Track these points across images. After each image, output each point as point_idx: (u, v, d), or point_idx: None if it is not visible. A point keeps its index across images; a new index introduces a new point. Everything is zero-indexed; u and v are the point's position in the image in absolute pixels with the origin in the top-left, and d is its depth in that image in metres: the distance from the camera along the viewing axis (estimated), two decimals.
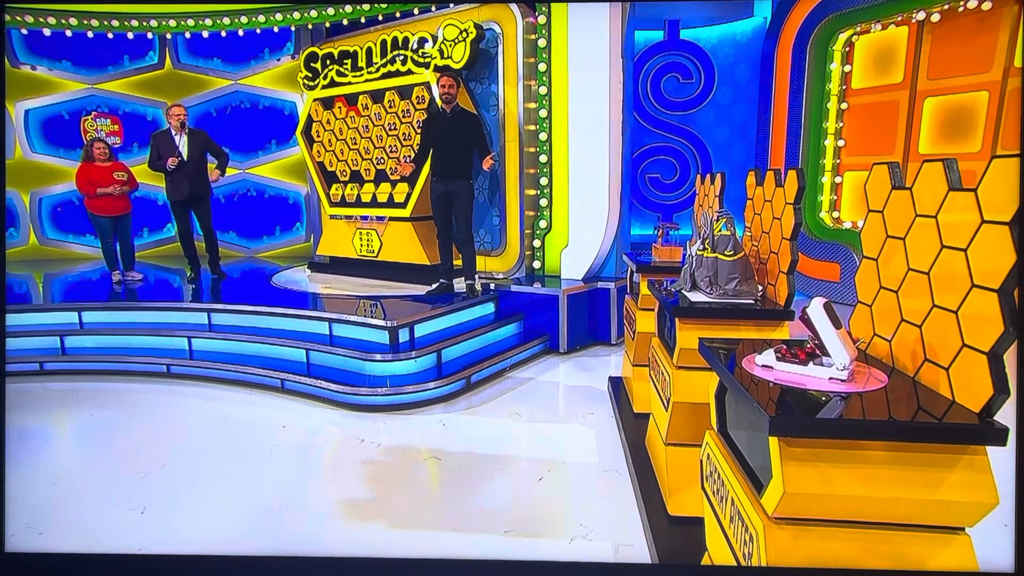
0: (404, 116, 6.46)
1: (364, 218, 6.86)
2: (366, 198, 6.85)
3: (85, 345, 5.29)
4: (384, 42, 6.51)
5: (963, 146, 5.82)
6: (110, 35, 7.83)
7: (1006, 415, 1.41)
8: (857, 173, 6.75)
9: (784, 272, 2.56)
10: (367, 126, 6.81)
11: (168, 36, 8.74)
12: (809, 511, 1.52)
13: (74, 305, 5.48)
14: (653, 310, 3.59)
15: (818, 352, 1.71)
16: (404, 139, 6.50)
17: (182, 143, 6.26)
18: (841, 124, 6.83)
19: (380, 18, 6.77)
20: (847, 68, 6.69)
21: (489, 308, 5.55)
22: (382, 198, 6.69)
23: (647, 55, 8.45)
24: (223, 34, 7.81)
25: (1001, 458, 1.49)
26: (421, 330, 4.80)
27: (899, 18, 6.12)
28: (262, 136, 9.07)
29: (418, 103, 6.31)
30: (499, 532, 2.74)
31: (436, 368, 4.62)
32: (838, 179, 6.92)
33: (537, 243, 6.08)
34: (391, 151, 6.65)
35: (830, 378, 1.65)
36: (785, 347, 1.78)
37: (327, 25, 7.45)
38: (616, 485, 3.15)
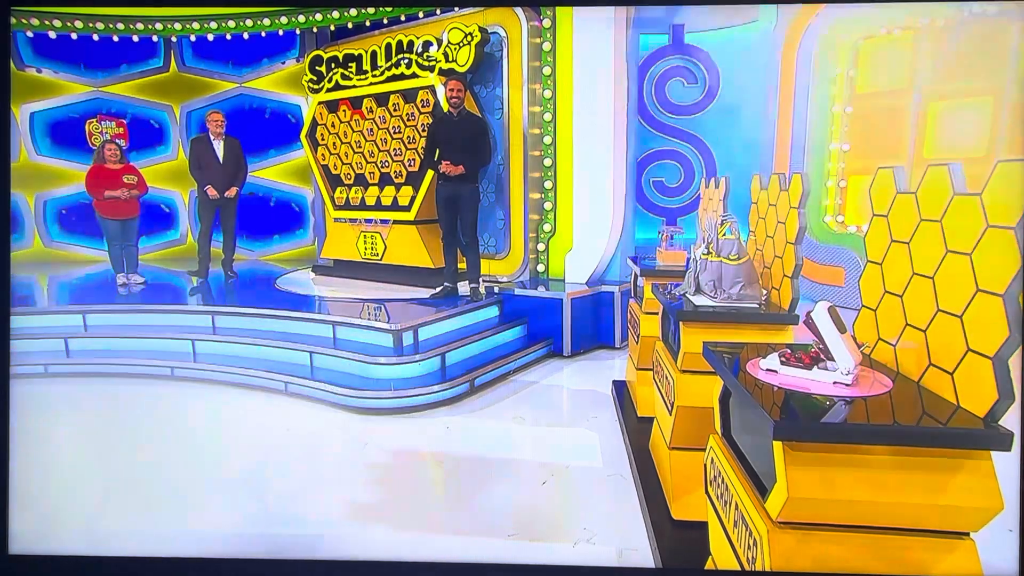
0: (409, 119, 6.48)
1: (368, 221, 6.88)
2: (370, 201, 6.87)
3: (89, 348, 5.30)
4: (389, 46, 6.53)
5: (968, 151, 5.80)
6: (115, 38, 7.87)
7: (1011, 420, 1.41)
8: (862, 177, 6.74)
9: (788, 276, 2.56)
10: (371, 129, 6.83)
11: (173, 39, 8.78)
12: (813, 515, 1.51)
13: (78, 308, 5.50)
14: (657, 314, 3.58)
15: (822, 356, 1.71)
16: (408, 142, 6.52)
17: (219, 148, 6.55)
18: (846, 128, 6.82)
19: (385, 22, 6.80)
20: (852, 72, 6.68)
21: (493, 311, 5.55)
22: (386, 201, 6.70)
23: (652, 59, 8.43)
24: (228, 37, 7.85)
25: (1006, 463, 1.49)
26: (425, 333, 4.80)
27: (905, 23, 6.12)
28: (266, 139, 9.09)
29: (423, 106, 6.32)
30: (503, 536, 2.73)
31: (440, 371, 4.61)
32: (843, 183, 6.91)
33: (541, 247, 6.08)
34: (395, 154, 6.66)
35: (834, 382, 1.65)
36: (789, 351, 1.78)
37: (332, 28, 7.48)
38: (620, 489, 3.14)
